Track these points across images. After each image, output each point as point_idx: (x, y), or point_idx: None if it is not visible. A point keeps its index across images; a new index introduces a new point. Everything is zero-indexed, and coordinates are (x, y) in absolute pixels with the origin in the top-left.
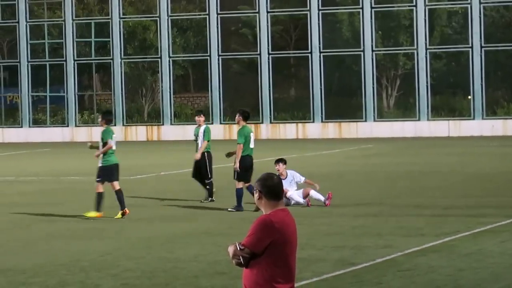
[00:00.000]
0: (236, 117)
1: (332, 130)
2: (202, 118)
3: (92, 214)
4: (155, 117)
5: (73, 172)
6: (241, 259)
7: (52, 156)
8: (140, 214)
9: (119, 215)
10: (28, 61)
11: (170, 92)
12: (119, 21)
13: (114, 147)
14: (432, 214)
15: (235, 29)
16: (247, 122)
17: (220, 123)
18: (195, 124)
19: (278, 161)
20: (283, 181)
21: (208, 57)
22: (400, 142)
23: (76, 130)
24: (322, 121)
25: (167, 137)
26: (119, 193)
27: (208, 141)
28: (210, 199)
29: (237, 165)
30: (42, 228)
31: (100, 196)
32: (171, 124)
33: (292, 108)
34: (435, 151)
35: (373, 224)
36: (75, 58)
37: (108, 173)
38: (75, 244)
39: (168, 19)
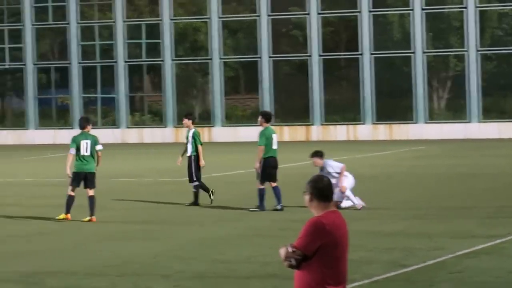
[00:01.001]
0: (259, 119)
1: (382, 131)
2: (189, 122)
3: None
4: (206, 119)
5: (124, 173)
6: (293, 261)
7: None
8: (191, 216)
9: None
10: (79, 63)
11: (221, 94)
12: (170, 23)
13: None
14: (483, 216)
15: (286, 30)
16: (269, 123)
17: (271, 125)
18: (246, 125)
19: (314, 154)
20: (321, 171)
21: (259, 59)
22: (451, 144)
23: (127, 132)
24: (372, 123)
25: (218, 139)
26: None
27: (201, 144)
28: (192, 202)
29: (257, 165)
30: (92, 230)
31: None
32: (221, 125)
33: (343, 109)
34: (485, 153)
35: (424, 226)
36: (126, 60)
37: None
38: (126, 246)
39: (218, 21)
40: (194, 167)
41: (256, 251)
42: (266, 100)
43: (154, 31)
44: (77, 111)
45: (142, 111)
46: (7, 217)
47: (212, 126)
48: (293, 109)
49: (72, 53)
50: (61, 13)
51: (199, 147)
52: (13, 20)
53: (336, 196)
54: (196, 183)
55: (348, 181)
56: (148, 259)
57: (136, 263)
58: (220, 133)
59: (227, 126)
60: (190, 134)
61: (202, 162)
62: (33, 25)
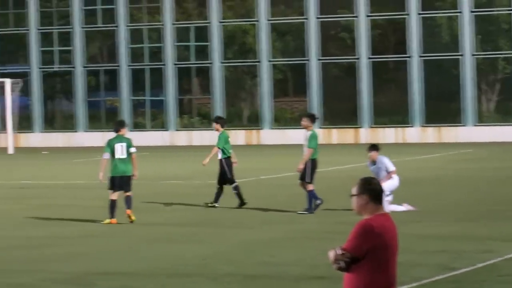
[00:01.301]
0: (305, 122)
1: (431, 134)
2: (218, 125)
3: None
4: (254, 121)
5: (173, 176)
6: (342, 264)
7: (152, 160)
8: (240, 218)
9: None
10: (128, 65)
11: (269, 96)
12: (218, 25)
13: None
14: None
15: (334, 33)
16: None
17: (320, 127)
18: (295, 128)
19: (372, 147)
20: (373, 166)
21: (307, 61)
22: (500, 146)
23: (176, 134)
24: (421, 126)
25: (267, 141)
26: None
27: (219, 148)
28: (214, 203)
29: (302, 166)
30: (142, 232)
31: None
32: (270, 128)
33: (391, 112)
34: None
35: (473, 229)
36: (175, 62)
37: None
38: (176, 248)
39: (267, 23)
40: (227, 170)
41: (305, 253)
42: (314, 102)
43: (202, 33)
44: (126, 114)
45: (191, 114)
46: (57, 219)
47: (261, 129)
48: (342, 111)
49: (121, 56)
50: (110, 15)
51: (214, 148)
52: (63, 23)
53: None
54: (235, 184)
55: (392, 183)
56: (197, 261)
57: (185, 265)
58: (269, 135)
59: (276, 128)
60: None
61: (205, 161)
62: (82, 27)
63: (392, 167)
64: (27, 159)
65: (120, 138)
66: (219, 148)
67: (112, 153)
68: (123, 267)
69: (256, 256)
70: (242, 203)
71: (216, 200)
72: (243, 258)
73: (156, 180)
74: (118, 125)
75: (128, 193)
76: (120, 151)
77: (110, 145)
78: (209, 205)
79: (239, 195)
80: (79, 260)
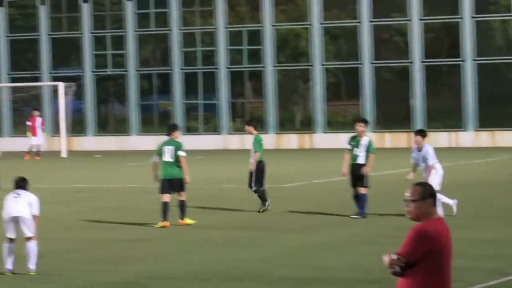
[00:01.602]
0: (362, 127)
1: (485, 138)
2: (251, 128)
3: None
4: (307, 125)
5: (226, 179)
6: (397, 268)
7: (205, 163)
8: (293, 222)
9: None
10: (180, 69)
11: (322, 100)
12: (271, 29)
13: None
14: None
15: (387, 36)
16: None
17: (373, 131)
18: (347, 132)
19: (418, 132)
20: (418, 153)
21: (360, 65)
22: None
23: (228, 138)
24: (474, 130)
25: (319, 145)
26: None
27: (257, 151)
28: (263, 206)
29: (368, 170)
30: (195, 235)
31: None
32: (323, 132)
33: (444, 116)
34: None
35: None
36: (227, 66)
37: None
38: (229, 252)
39: (320, 27)
40: (258, 173)
41: (359, 257)
42: (367, 106)
43: (255, 37)
44: (178, 117)
45: (243, 118)
46: (110, 222)
47: (313, 133)
48: (395, 115)
49: (174, 59)
50: (163, 19)
51: (256, 153)
52: (116, 26)
53: None
54: (255, 188)
55: (437, 178)
56: (251, 265)
57: (239, 269)
58: (321, 139)
59: (328, 132)
60: (252, 141)
61: (252, 166)
62: (135, 31)
63: (433, 160)
64: (80, 162)
65: (169, 142)
66: (256, 151)
67: (161, 156)
68: (175, 271)
69: (310, 260)
70: (264, 206)
71: (264, 201)
72: (296, 262)
73: (209, 184)
74: (170, 129)
75: (181, 197)
76: (168, 154)
77: (159, 148)
78: (261, 210)
79: (261, 197)
80: (131, 263)
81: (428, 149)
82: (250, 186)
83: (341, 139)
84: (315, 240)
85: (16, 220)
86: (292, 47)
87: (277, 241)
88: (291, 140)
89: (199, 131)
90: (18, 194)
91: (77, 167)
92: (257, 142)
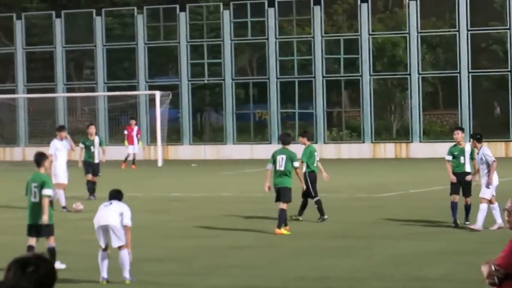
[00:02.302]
0: (461, 135)
1: None
2: (304, 139)
3: None
4: (403, 134)
5: (322, 189)
6: (496, 279)
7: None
8: (389, 232)
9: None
10: (277, 78)
11: (419, 109)
12: (368, 38)
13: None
14: None
15: (485, 45)
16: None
17: (470, 141)
18: (445, 141)
19: (457, 128)
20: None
21: (458, 74)
22: None
23: (324, 147)
24: None
25: (416, 155)
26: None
27: (303, 161)
28: (321, 218)
29: (453, 178)
30: (289, 244)
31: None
32: (420, 141)
33: None
34: None
35: None
36: (324, 75)
37: None
38: (323, 261)
39: (417, 36)
40: (309, 185)
41: (454, 268)
42: (465, 115)
43: (352, 46)
44: (275, 126)
45: (340, 127)
46: (205, 231)
47: (410, 142)
48: (493, 125)
49: (270, 68)
50: (260, 28)
51: (300, 163)
52: (212, 35)
53: (489, 193)
54: (317, 198)
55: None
56: (345, 275)
57: (332, 278)
58: (418, 148)
59: (425, 142)
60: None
61: (324, 176)
62: (232, 40)
63: (492, 157)
64: (176, 171)
65: (283, 150)
66: (302, 161)
67: (275, 164)
68: (268, 280)
69: (405, 270)
70: (322, 218)
71: (300, 213)
72: (391, 272)
73: None
74: (285, 137)
75: (283, 206)
76: (279, 163)
77: (274, 157)
78: (294, 218)
79: (319, 210)
80: (224, 273)
81: (485, 149)
82: (311, 197)
83: (437, 149)
84: (409, 250)
85: (106, 229)
86: (389, 56)
87: (372, 251)
88: (388, 149)
89: (295, 140)
90: (110, 203)
91: (173, 176)
92: (310, 153)
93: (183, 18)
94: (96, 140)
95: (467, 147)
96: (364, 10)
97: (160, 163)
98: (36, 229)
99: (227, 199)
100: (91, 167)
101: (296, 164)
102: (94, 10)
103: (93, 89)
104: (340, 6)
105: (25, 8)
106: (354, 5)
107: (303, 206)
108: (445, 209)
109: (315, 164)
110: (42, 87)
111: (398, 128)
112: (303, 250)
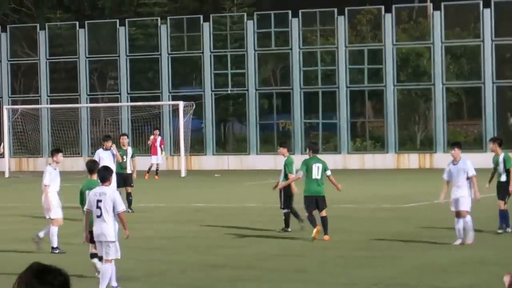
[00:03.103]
0: (493, 145)
1: None
2: (284, 150)
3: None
4: (427, 145)
5: (346, 199)
6: None
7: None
8: (413, 242)
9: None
10: (301, 88)
11: (443, 120)
12: (392, 48)
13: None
14: None
15: (510, 56)
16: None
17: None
18: (469, 151)
19: (453, 144)
20: (454, 166)
21: (482, 84)
22: None
23: (348, 158)
24: None
25: (440, 165)
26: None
27: (290, 173)
28: (284, 229)
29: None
30: (314, 254)
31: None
32: (443, 152)
33: None
34: None
35: None
36: (348, 85)
37: None
38: (349, 271)
39: (442, 46)
40: (283, 195)
41: (478, 278)
42: (490, 126)
43: (376, 56)
44: (298, 137)
45: (364, 137)
46: (230, 237)
47: (434, 152)
48: (507, 134)
49: (294, 79)
50: (284, 38)
51: (289, 175)
52: (236, 45)
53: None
54: (285, 210)
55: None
56: (370, 286)
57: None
58: (442, 159)
59: (449, 152)
60: (283, 162)
61: (294, 189)
62: (255, 50)
63: (473, 171)
64: (199, 181)
65: (316, 159)
66: (290, 173)
67: (308, 173)
68: None
69: (429, 281)
70: (285, 229)
71: (294, 220)
72: (415, 283)
73: (330, 204)
74: (316, 146)
75: (323, 213)
76: (316, 172)
77: (307, 165)
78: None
79: (286, 221)
80: (252, 282)
81: (466, 161)
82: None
83: None
84: (433, 260)
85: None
86: (413, 66)
87: (397, 261)
88: (412, 160)
89: (319, 151)
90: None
91: (196, 186)
92: (290, 164)
93: (206, 28)
94: (129, 150)
95: (501, 157)
96: (388, 20)
97: (183, 174)
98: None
99: (250, 210)
100: (122, 178)
101: (329, 172)
102: (117, 20)
103: (116, 100)
104: (364, 16)
105: (49, 19)
106: (378, 15)
107: (294, 215)
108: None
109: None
110: (66, 98)
111: (422, 138)
112: (328, 261)
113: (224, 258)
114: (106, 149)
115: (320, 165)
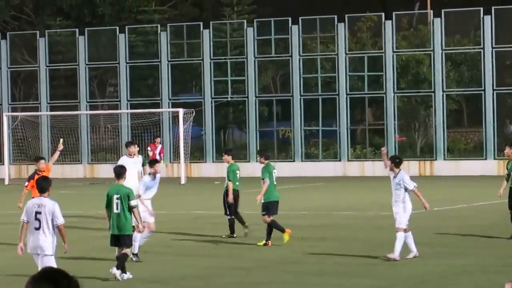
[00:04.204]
0: (508, 151)
1: None
2: (228, 157)
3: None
4: (427, 152)
5: (345, 207)
6: None
7: (325, 190)
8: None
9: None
10: (301, 95)
11: (443, 127)
12: (392, 55)
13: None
14: None
15: (510, 63)
16: None
17: (494, 159)
18: (469, 159)
19: (393, 158)
20: (394, 179)
21: (482, 92)
22: None
23: (348, 165)
24: None
25: (440, 173)
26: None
27: (230, 181)
28: (230, 235)
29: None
30: (313, 262)
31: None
32: (444, 159)
33: None
34: None
35: None
36: (348, 92)
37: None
38: (347, 280)
39: (442, 53)
40: (225, 202)
41: (480, 286)
42: (490, 133)
43: (376, 63)
44: (298, 144)
45: (364, 144)
46: (229, 245)
47: (434, 160)
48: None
49: (294, 86)
50: (284, 45)
51: (229, 183)
52: (236, 53)
53: (405, 221)
54: (228, 217)
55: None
56: None
57: None
58: (442, 166)
59: (449, 159)
60: (227, 169)
61: (229, 198)
62: (255, 57)
63: (412, 185)
64: (199, 189)
65: (273, 166)
66: (230, 181)
67: None
68: None
69: None
70: (231, 235)
71: (237, 228)
72: None
73: (329, 211)
74: (267, 154)
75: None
76: (274, 177)
77: (269, 171)
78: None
79: (231, 227)
80: None
81: (405, 174)
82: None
83: (462, 167)
84: (434, 269)
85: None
86: (413, 73)
87: (396, 270)
88: (412, 167)
89: (319, 158)
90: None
91: (196, 193)
92: (232, 172)
93: (206, 36)
94: (140, 159)
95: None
96: (388, 28)
97: (183, 181)
98: (119, 239)
99: (250, 217)
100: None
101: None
102: (117, 28)
103: (116, 107)
104: (364, 23)
105: (49, 26)
106: (378, 22)
107: (239, 221)
108: (470, 227)
109: (237, 183)
110: (65, 105)
111: (422, 145)
112: (326, 269)
113: (223, 265)
114: (131, 156)
115: (276, 171)
